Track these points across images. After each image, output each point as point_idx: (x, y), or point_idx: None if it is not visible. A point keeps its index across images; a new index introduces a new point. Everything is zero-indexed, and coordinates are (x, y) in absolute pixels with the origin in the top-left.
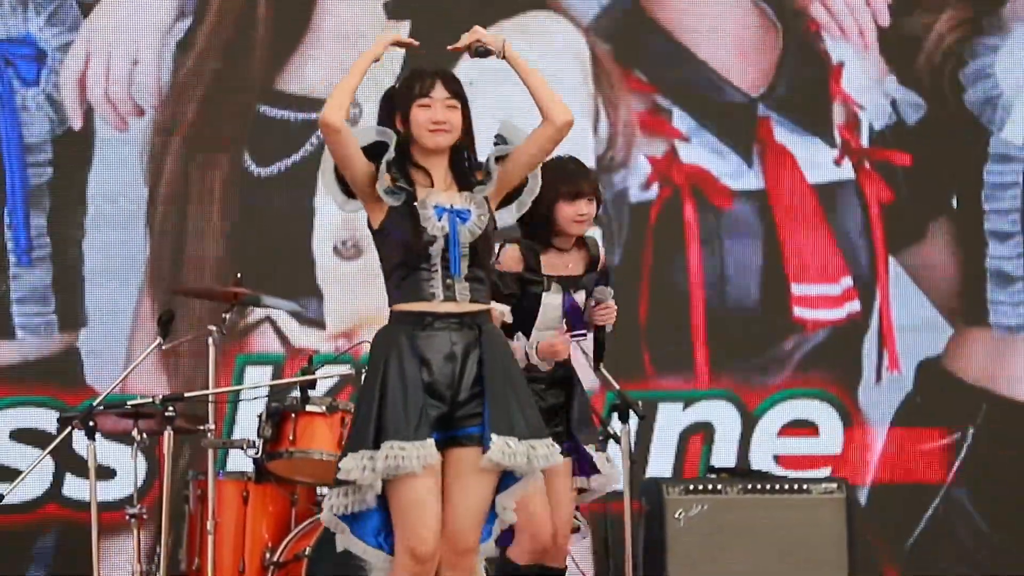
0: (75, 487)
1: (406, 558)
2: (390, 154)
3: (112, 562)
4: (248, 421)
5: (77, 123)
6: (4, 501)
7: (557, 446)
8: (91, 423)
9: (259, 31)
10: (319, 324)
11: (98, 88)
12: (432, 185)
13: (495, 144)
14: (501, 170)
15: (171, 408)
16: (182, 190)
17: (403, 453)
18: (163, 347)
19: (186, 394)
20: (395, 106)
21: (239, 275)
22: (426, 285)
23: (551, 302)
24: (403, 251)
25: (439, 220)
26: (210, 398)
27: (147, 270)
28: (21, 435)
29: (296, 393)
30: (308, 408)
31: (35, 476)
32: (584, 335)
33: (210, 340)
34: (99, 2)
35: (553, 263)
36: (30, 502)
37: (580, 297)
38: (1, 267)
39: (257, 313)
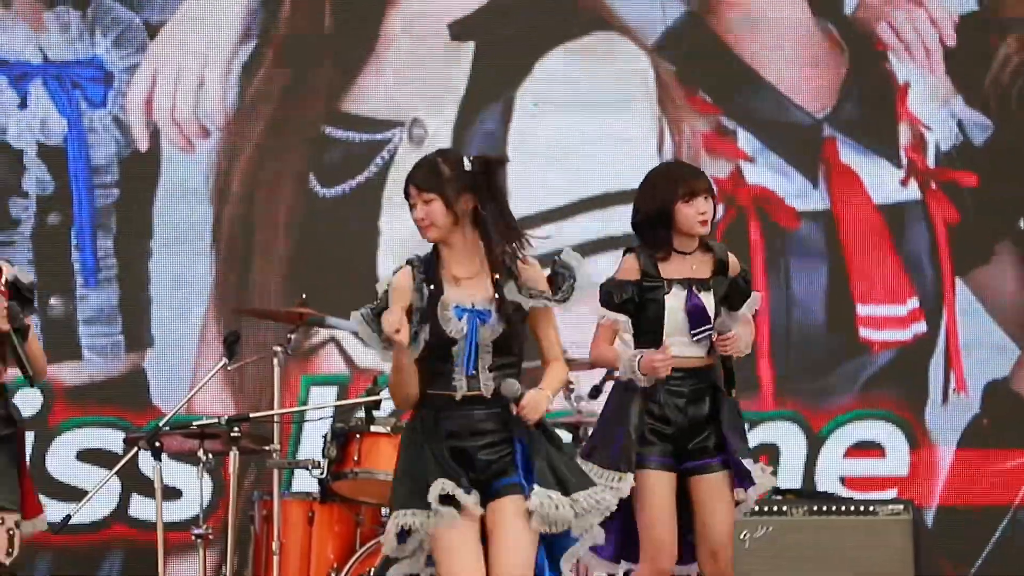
0: (141, 507)
1: None
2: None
3: None
4: (313, 441)
5: (144, 144)
6: (72, 521)
7: (611, 492)
8: (157, 443)
9: (324, 53)
10: None
11: (164, 110)
12: (457, 280)
13: (554, 269)
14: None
15: (237, 429)
16: (247, 210)
17: (454, 492)
18: (228, 367)
19: (252, 415)
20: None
21: (304, 296)
22: (450, 379)
23: (674, 305)
24: (427, 349)
25: (459, 320)
26: (275, 419)
27: (213, 291)
28: (88, 455)
29: (361, 414)
30: (373, 428)
31: (102, 496)
32: (704, 333)
33: (275, 361)
34: (165, 24)
35: (676, 268)
36: (97, 522)
37: (707, 299)
38: (68, 288)
39: (322, 334)
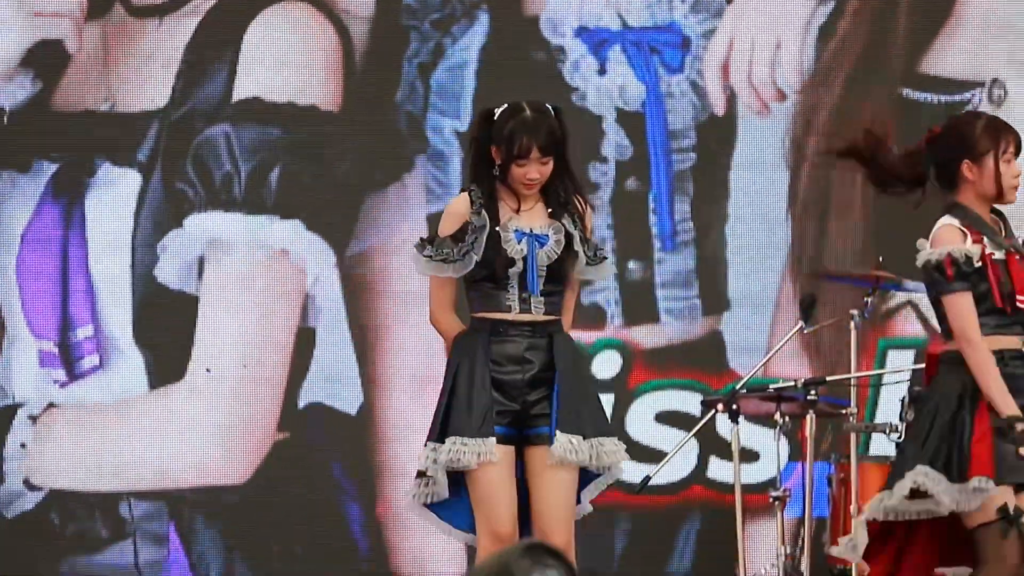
0: (719, 469)
1: (487, 540)
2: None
3: (756, 544)
4: (890, 405)
5: (720, 109)
6: (651, 482)
7: (623, 444)
8: (735, 406)
9: (900, 14)
10: None
11: (741, 73)
12: (518, 210)
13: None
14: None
15: (813, 392)
16: (824, 173)
17: (464, 448)
18: (805, 331)
19: (828, 378)
20: (493, 142)
21: (880, 258)
22: (504, 299)
23: None
24: (487, 269)
25: (519, 243)
26: (852, 382)
27: (788, 254)
28: (667, 417)
29: None
30: None
31: (680, 458)
32: None
33: (851, 324)
34: None
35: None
36: (676, 483)
37: None
38: (646, 253)
39: (899, 297)
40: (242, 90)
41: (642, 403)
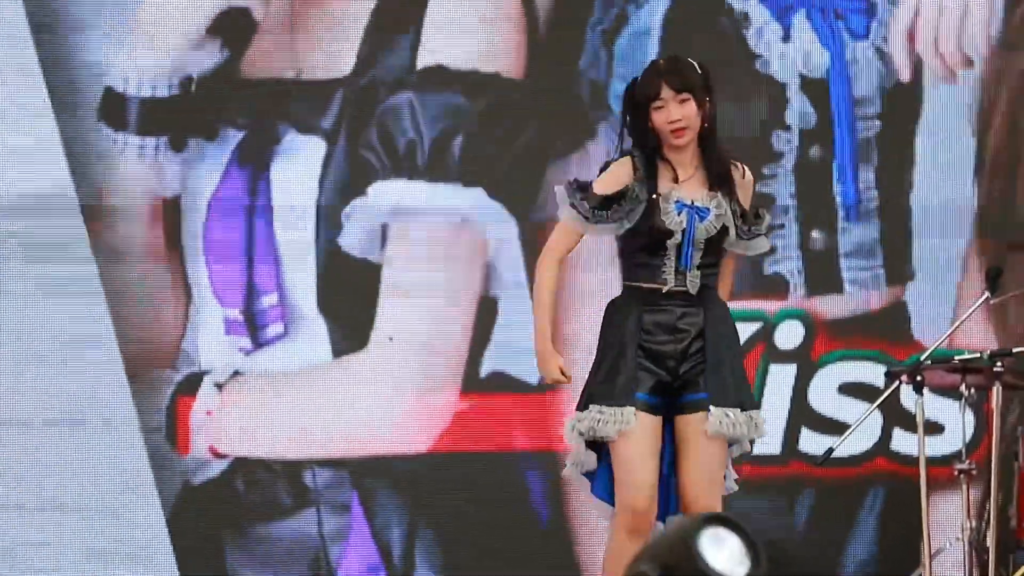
0: (903, 442)
1: (625, 511)
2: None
3: (941, 518)
4: None
5: (906, 76)
6: (834, 455)
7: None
8: (919, 378)
9: None
10: None
11: (928, 40)
12: (676, 180)
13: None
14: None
15: (1000, 363)
16: (1014, 141)
17: (601, 417)
18: (991, 302)
19: (1015, 349)
20: (638, 107)
21: None
22: (659, 271)
23: None
24: (644, 239)
25: (678, 215)
26: None
27: (975, 223)
28: (850, 389)
29: None
30: None
31: (864, 430)
32: None
33: None
34: None
35: None
36: (859, 456)
37: None
38: (831, 221)
39: None
40: (426, 57)
41: (825, 374)
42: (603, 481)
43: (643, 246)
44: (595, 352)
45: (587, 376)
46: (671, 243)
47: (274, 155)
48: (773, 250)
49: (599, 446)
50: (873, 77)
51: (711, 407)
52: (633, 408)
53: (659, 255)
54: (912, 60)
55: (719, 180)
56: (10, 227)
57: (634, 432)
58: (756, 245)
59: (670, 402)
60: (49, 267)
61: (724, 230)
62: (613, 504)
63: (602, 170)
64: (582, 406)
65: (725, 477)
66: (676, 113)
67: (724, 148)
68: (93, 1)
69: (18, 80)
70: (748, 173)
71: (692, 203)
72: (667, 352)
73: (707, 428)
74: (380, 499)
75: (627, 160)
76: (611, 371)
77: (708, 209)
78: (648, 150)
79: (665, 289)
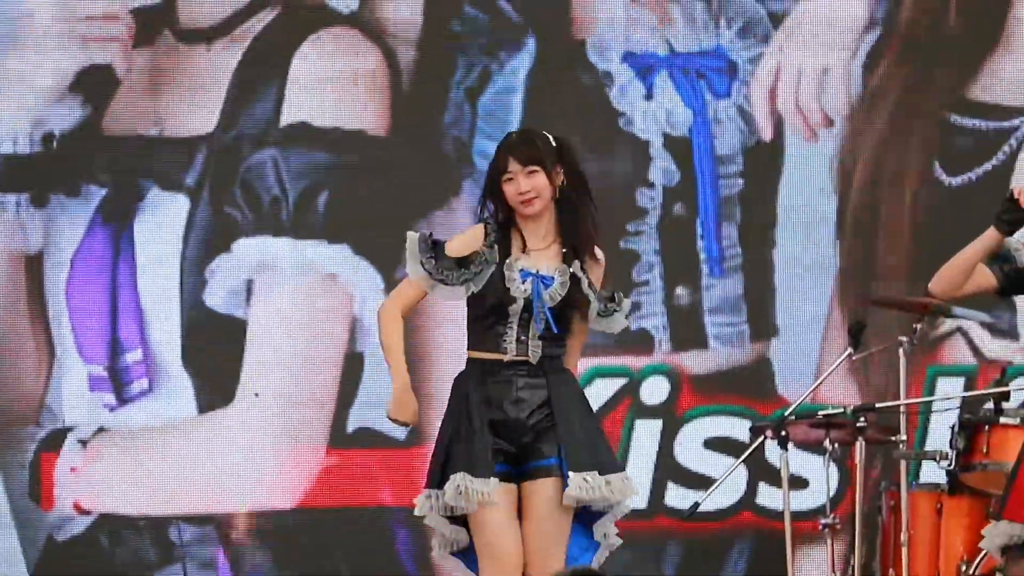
0: (769, 496)
1: None
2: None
3: (805, 571)
4: (940, 432)
5: (768, 134)
6: (700, 509)
7: (631, 479)
8: (783, 432)
9: (947, 41)
10: (1012, 335)
11: (788, 99)
12: (524, 248)
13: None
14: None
15: (863, 419)
16: (872, 199)
17: (467, 489)
18: (853, 357)
19: (877, 404)
20: (492, 180)
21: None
22: (502, 339)
23: None
24: (487, 305)
25: (523, 283)
26: (901, 409)
27: (837, 279)
28: (715, 443)
29: (990, 405)
30: (1002, 420)
31: (729, 484)
32: None
33: (900, 351)
34: (789, 15)
35: None
36: (725, 510)
37: None
38: (694, 277)
39: (948, 324)
40: (290, 114)
41: (691, 429)
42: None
43: (487, 312)
44: (440, 425)
45: (433, 452)
46: (513, 310)
47: (137, 211)
48: (638, 306)
49: (462, 519)
50: (735, 135)
51: (570, 472)
52: (495, 480)
53: (503, 323)
54: (774, 119)
55: (574, 252)
56: None
57: (497, 503)
58: (613, 323)
59: (519, 468)
60: None
61: (572, 299)
62: None
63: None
64: (435, 482)
65: (602, 536)
66: (524, 185)
67: (588, 223)
68: None
69: None
70: (601, 255)
71: (537, 272)
72: (512, 422)
73: (567, 493)
74: (246, 555)
75: (480, 227)
76: (467, 441)
77: (552, 278)
78: (502, 219)
79: (505, 359)
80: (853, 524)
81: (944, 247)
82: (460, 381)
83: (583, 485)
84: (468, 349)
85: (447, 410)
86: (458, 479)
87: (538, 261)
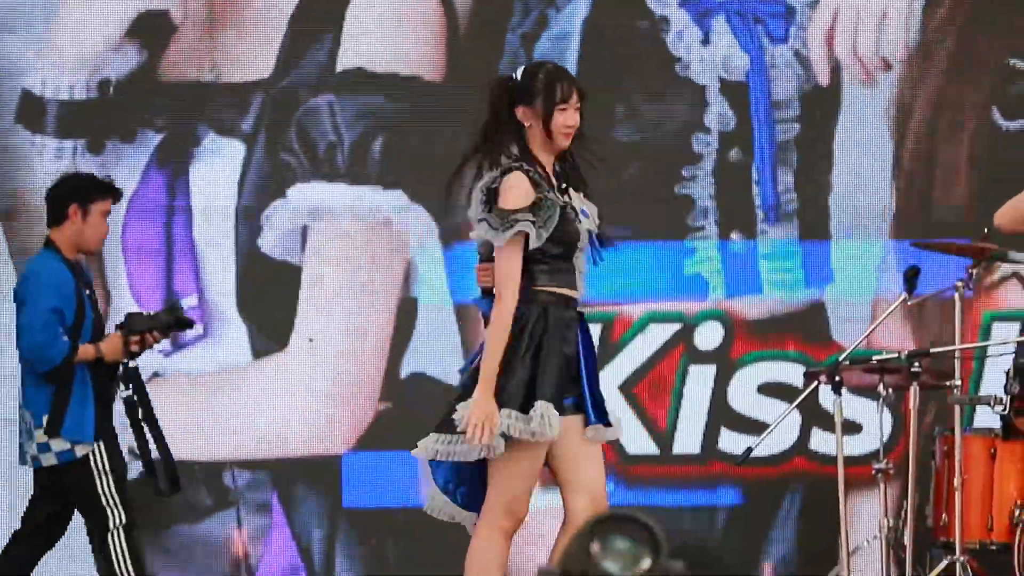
0: (822, 441)
1: (509, 516)
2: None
3: (858, 516)
4: (995, 377)
5: (824, 79)
6: (753, 454)
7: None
8: (837, 378)
9: None
10: None
11: (846, 43)
12: (558, 188)
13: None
14: None
15: (917, 364)
16: (929, 144)
17: (552, 423)
18: (908, 302)
19: (932, 349)
20: (523, 102)
21: (986, 230)
22: (573, 275)
23: None
24: (563, 245)
25: (582, 222)
26: (956, 354)
27: (892, 223)
28: (769, 389)
29: None
30: None
31: (782, 430)
32: None
33: (956, 296)
34: None
35: None
36: (778, 455)
37: None
38: (749, 223)
39: (1004, 268)
40: (346, 60)
41: (744, 374)
42: (443, 472)
43: (559, 252)
44: (524, 348)
45: (507, 370)
46: (580, 245)
47: (193, 157)
48: (692, 251)
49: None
50: (792, 80)
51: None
52: (562, 418)
53: (568, 260)
54: (831, 63)
55: (583, 184)
56: None
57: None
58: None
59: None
60: None
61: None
62: (458, 502)
63: (490, 190)
64: (521, 405)
65: None
66: (575, 118)
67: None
68: (8, 4)
69: None
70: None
71: (581, 210)
72: (569, 357)
73: (610, 435)
74: (300, 499)
75: (520, 174)
76: (559, 374)
77: (586, 211)
78: (516, 156)
79: (575, 294)
80: (906, 469)
81: (1001, 191)
82: (541, 310)
83: (620, 428)
84: (536, 285)
85: (523, 333)
86: (542, 407)
87: (573, 197)
